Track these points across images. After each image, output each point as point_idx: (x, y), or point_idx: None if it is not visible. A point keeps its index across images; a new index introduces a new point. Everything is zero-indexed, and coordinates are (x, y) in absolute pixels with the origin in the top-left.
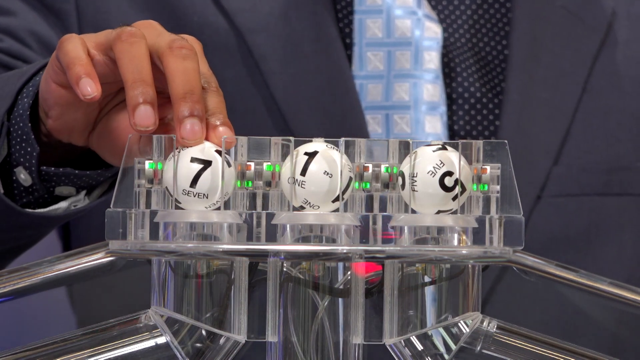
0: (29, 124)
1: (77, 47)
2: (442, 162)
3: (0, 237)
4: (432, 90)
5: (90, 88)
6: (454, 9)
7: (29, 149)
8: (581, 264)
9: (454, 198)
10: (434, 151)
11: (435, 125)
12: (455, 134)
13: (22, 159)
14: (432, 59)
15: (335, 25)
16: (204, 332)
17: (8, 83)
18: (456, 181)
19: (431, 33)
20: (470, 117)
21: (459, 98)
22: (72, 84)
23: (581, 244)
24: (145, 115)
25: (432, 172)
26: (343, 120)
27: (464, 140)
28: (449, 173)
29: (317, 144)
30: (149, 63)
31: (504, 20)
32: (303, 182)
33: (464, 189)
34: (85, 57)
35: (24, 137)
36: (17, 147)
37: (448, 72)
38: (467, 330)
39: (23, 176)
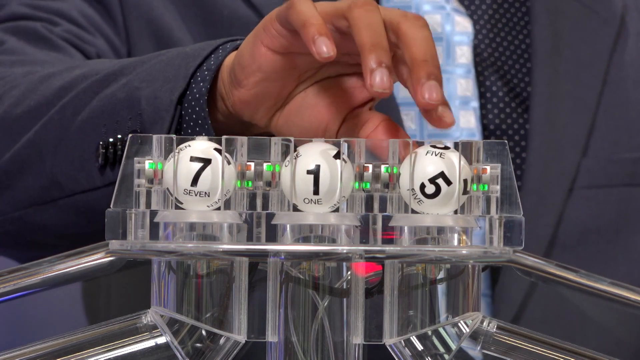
0: (206, 109)
1: (311, 8)
2: (442, 162)
3: None
4: (465, 85)
5: (326, 47)
6: (480, 2)
7: (203, 134)
8: (612, 254)
9: (454, 198)
10: (434, 151)
11: (469, 120)
12: (485, 128)
13: None
14: (464, 54)
15: None
16: (204, 332)
17: (171, 65)
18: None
19: (461, 27)
20: (499, 111)
21: (487, 92)
22: (308, 42)
23: (611, 235)
24: (382, 79)
25: (432, 172)
26: None
27: (464, 140)
28: (449, 173)
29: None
30: (384, 31)
31: (523, 11)
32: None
33: (464, 189)
34: (320, 18)
35: (200, 122)
36: (189, 131)
37: (475, 66)
38: (467, 330)
39: None
